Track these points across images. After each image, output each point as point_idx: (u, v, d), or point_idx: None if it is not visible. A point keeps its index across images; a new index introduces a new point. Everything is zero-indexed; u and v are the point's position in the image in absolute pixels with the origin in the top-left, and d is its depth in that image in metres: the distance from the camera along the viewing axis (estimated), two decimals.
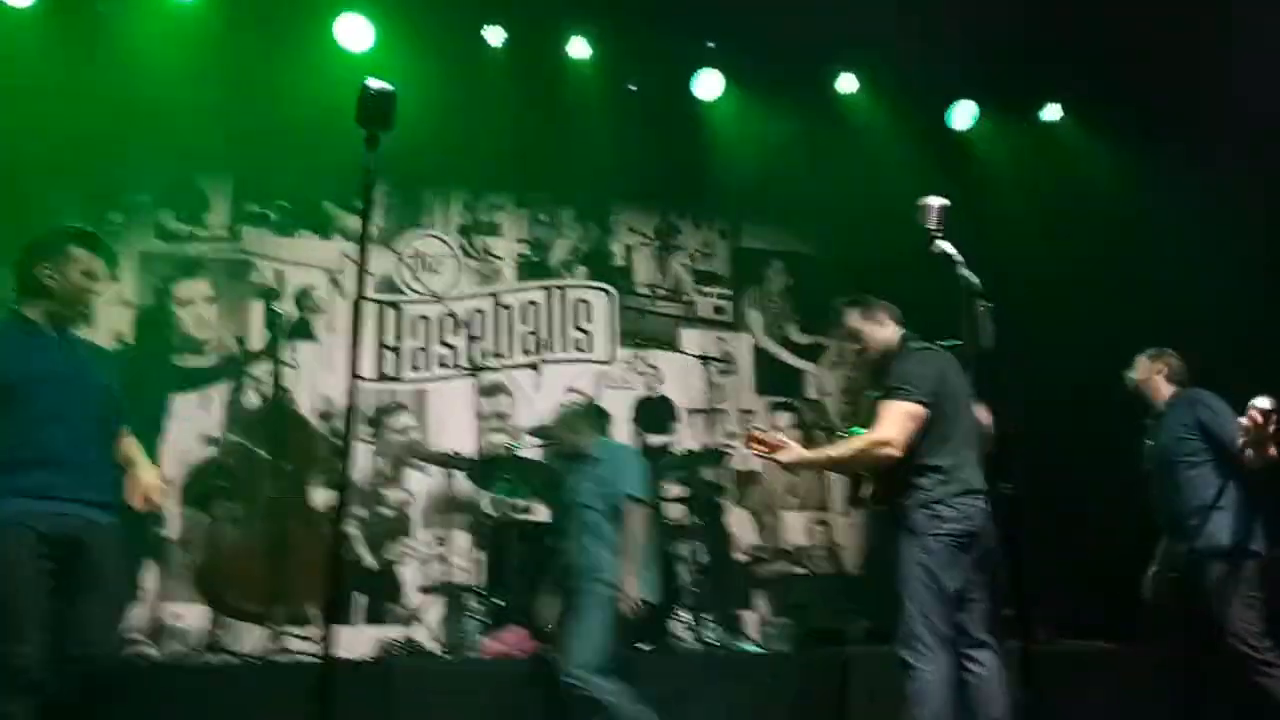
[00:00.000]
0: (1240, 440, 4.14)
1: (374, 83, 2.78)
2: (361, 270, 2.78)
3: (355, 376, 2.71)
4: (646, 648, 5.43)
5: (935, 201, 3.02)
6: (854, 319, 4.05)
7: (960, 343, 3.01)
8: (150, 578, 6.18)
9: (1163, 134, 6.65)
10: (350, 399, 2.70)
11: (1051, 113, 7.67)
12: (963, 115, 7.62)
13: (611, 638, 4.53)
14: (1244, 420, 4.03)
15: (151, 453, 5.40)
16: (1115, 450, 6.04)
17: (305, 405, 6.76)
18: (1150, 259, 6.70)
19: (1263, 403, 3.94)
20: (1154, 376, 4.70)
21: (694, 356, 7.27)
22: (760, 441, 3.84)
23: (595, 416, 5.35)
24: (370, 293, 7.19)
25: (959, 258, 2.91)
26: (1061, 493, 6.80)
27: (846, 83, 7.45)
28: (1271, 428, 3.97)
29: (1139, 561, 4.85)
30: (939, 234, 2.99)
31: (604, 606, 4.55)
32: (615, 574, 4.58)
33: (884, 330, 4.02)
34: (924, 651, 3.59)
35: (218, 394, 6.62)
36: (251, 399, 6.62)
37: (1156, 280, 6.57)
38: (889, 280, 7.02)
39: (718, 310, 8.08)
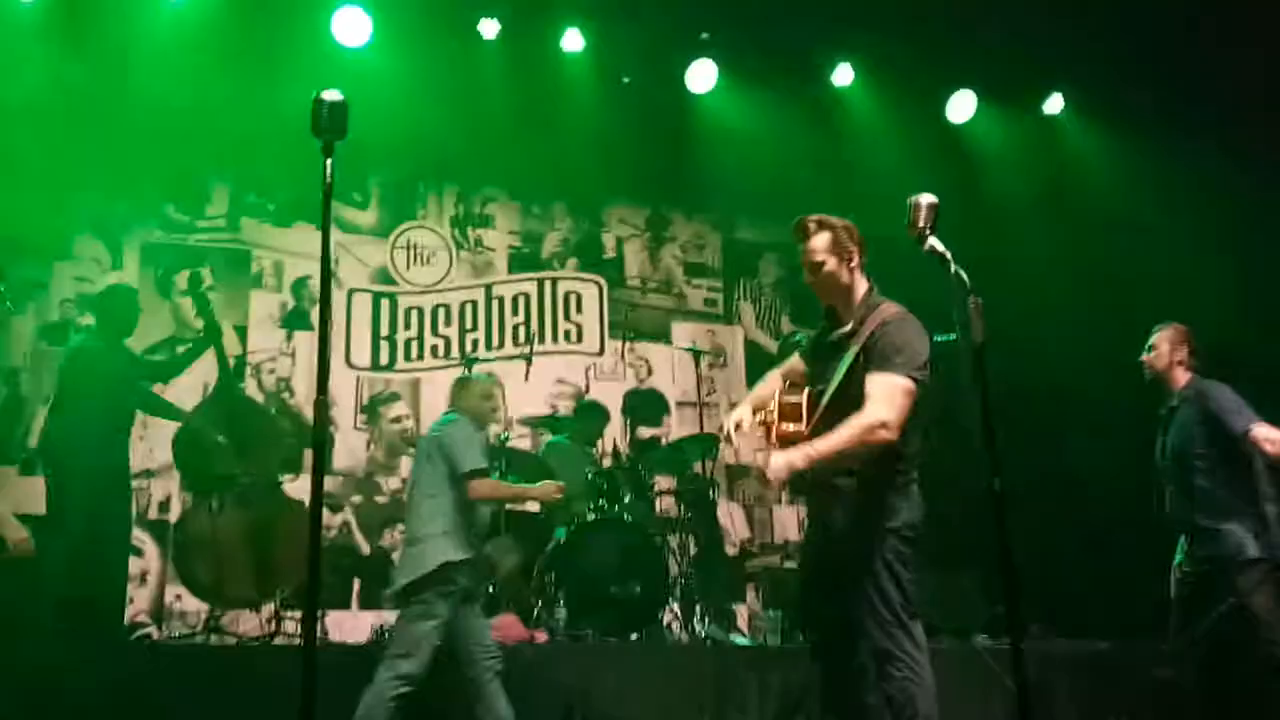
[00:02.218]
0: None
1: (327, 94, 2.86)
2: (325, 273, 2.83)
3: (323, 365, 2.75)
4: (634, 637, 5.49)
5: (925, 199, 3.03)
6: (821, 246, 3.48)
7: (954, 337, 3.02)
8: (153, 560, 6.23)
9: (1167, 125, 6.62)
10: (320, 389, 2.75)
11: (1053, 104, 7.58)
12: (961, 107, 7.53)
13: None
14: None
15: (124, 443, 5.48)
16: (1115, 443, 6.12)
17: (302, 394, 6.84)
18: (1150, 252, 6.68)
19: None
20: (1175, 366, 4.39)
21: (684, 349, 7.32)
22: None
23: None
24: (365, 284, 7.23)
25: (949, 255, 2.94)
26: (1060, 488, 6.84)
27: (842, 74, 7.41)
28: None
29: (1141, 558, 4.81)
30: (929, 231, 3.00)
31: None
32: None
33: (844, 275, 3.48)
34: (912, 658, 3.27)
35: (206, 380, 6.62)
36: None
37: (1155, 273, 6.55)
38: (883, 274, 7.12)
39: (709, 303, 8.13)
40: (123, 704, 3.63)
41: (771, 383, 3.75)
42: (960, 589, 5.88)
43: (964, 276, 2.87)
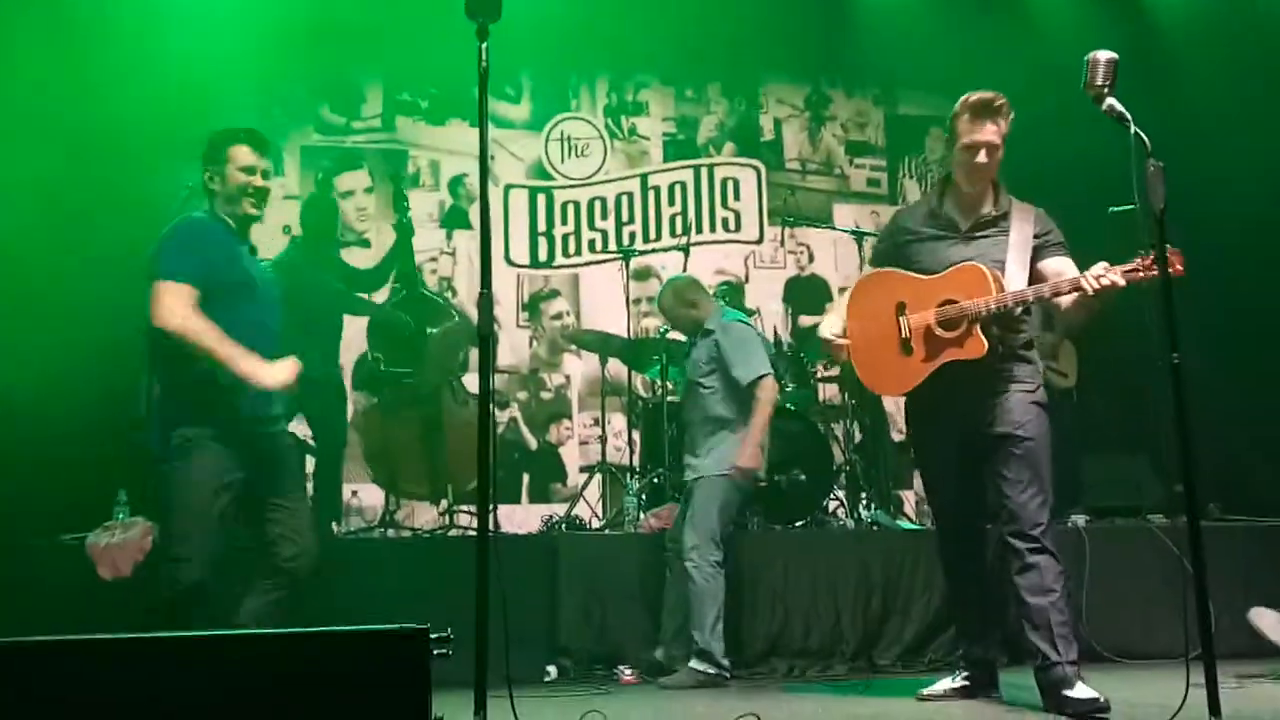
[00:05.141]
0: None
1: None
2: (483, 163, 2.82)
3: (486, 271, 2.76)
4: (799, 524, 5.50)
5: (1103, 56, 2.84)
6: (1006, 131, 3.59)
7: (1133, 206, 2.83)
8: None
9: None
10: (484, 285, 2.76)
11: None
12: None
13: (725, 518, 4.64)
14: None
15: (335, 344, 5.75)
16: None
17: (464, 292, 7.02)
18: None
19: None
20: None
21: (847, 232, 7.08)
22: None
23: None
24: (521, 179, 7.30)
25: (1129, 115, 2.73)
26: (1240, 362, 6.41)
27: None
28: None
29: None
30: (1108, 90, 2.80)
31: (714, 488, 4.62)
32: (728, 453, 4.63)
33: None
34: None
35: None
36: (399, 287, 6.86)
37: None
38: (1054, 142, 6.67)
39: (872, 183, 7.83)
40: (308, 594, 3.89)
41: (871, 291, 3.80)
42: (1133, 468, 5.64)
43: (1145, 139, 2.66)
